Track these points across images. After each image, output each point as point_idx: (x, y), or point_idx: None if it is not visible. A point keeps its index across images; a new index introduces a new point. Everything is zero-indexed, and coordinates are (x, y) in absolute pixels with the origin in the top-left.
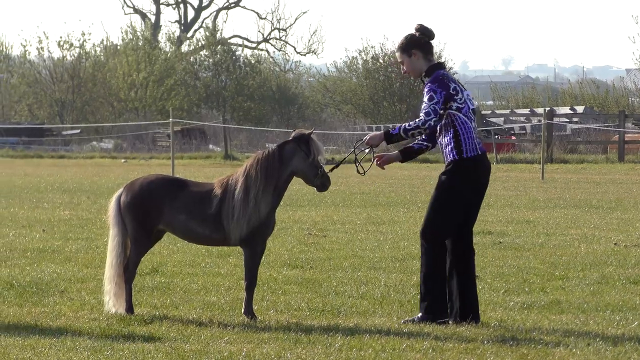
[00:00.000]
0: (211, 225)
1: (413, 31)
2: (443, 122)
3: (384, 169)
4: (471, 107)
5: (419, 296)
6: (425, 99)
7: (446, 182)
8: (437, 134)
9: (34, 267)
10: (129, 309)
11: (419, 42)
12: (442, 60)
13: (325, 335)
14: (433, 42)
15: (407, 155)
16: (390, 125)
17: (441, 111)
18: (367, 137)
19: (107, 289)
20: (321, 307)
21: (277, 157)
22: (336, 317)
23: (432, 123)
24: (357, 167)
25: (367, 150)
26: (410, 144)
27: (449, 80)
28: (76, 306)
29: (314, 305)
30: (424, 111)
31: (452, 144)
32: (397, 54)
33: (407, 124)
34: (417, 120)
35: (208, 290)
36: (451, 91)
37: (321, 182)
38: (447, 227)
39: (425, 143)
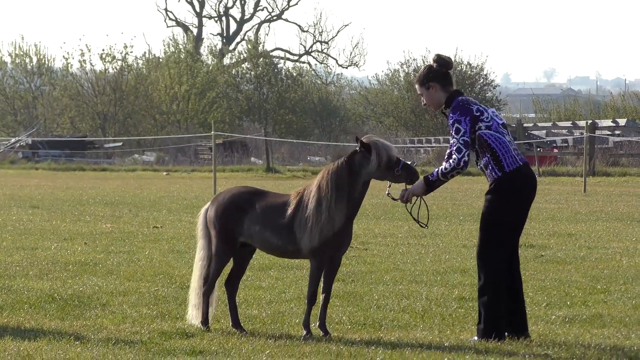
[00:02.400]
0: (285, 236)
1: (432, 62)
2: (477, 145)
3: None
4: (500, 122)
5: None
6: (453, 132)
7: (493, 200)
8: (476, 159)
9: (76, 280)
10: (205, 321)
11: (437, 74)
12: (485, 72)
13: (367, 349)
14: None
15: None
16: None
17: (471, 138)
18: (409, 192)
19: (190, 300)
20: (362, 321)
21: (346, 168)
22: (377, 331)
23: (466, 159)
24: (418, 222)
25: (416, 200)
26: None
27: (469, 104)
28: (118, 320)
29: (355, 318)
30: (454, 148)
31: (492, 162)
32: (416, 87)
33: (443, 167)
34: (451, 161)
35: (249, 303)
36: (475, 113)
37: (405, 178)
38: (502, 246)
39: None
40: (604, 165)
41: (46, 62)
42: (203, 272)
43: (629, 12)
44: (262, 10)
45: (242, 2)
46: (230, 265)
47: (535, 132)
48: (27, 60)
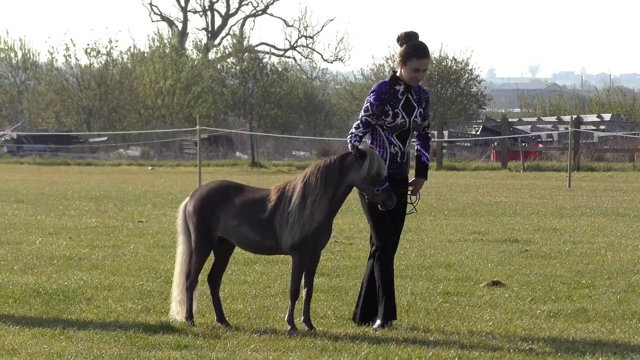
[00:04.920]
0: (263, 231)
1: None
2: (418, 132)
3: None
4: None
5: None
6: (427, 108)
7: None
8: (410, 141)
9: (61, 275)
10: (189, 317)
11: None
12: (470, 68)
13: (352, 344)
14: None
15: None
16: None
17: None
18: (418, 190)
19: (173, 295)
20: (347, 315)
21: (337, 168)
22: (362, 325)
23: None
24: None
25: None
26: (422, 160)
27: None
28: (102, 314)
29: (340, 313)
30: (427, 122)
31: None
32: (426, 62)
33: (424, 146)
34: (429, 131)
35: (234, 298)
36: None
37: (381, 200)
38: None
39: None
40: (589, 161)
41: (31, 56)
42: (184, 267)
43: (613, 7)
44: (247, 4)
45: None
46: (211, 260)
47: (520, 127)
48: (12, 54)
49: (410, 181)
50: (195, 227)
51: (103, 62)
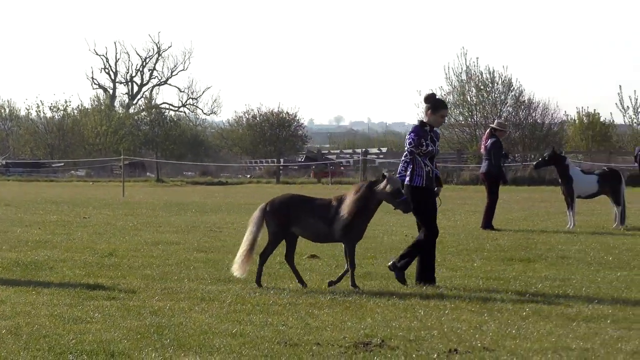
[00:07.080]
0: (330, 224)
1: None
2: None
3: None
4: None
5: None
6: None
7: None
8: (431, 163)
9: (33, 252)
10: (258, 281)
11: None
12: (297, 118)
13: (221, 295)
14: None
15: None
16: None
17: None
18: (438, 192)
19: (236, 259)
20: (218, 277)
21: (369, 189)
22: (228, 284)
23: None
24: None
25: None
26: (437, 175)
27: None
28: (59, 277)
29: (214, 275)
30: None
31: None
32: (445, 112)
33: (434, 167)
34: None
35: (145, 266)
36: None
37: (400, 207)
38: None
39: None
40: (373, 177)
41: (14, 111)
42: (249, 245)
43: (389, 74)
44: (154, 78)
45: (142, 73)
46: (283, 245)
47: (329, 156)
48: (2, 110)
49: (435, 188)
50: (278, 223)
51: (61, 115)
